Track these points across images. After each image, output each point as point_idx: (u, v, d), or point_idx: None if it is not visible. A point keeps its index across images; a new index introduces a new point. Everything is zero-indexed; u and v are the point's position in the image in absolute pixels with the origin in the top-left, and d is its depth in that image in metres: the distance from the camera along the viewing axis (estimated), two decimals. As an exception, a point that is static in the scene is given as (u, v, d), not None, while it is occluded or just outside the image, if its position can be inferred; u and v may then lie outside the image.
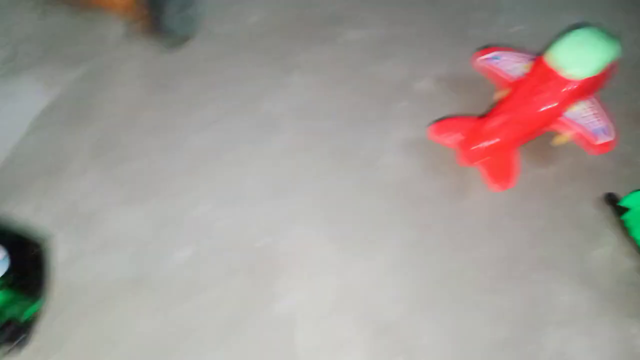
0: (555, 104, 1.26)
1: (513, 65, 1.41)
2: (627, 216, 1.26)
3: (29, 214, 1.25)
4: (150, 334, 1.12)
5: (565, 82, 1.25)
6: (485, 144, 1.25)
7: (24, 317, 1.05)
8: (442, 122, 1.35)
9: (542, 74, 1.28)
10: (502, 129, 1.26)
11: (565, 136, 1.34)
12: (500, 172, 1.26)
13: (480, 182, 1.31)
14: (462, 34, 1.66)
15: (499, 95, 1.42)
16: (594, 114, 1.29)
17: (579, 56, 1.25)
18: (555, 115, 1.29)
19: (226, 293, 1.18)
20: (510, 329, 1.15)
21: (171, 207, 1.30)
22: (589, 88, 1.29)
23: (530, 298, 1.19)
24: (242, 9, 1.71)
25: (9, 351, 1.02)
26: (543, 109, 1.26)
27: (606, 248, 1.25)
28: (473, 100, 1.48)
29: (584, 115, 1.30)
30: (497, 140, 1.25)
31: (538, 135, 1.34)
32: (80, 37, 1.60)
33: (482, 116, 1.34)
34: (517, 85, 1.34)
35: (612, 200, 1.30)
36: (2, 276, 1.00)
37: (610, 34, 1.33)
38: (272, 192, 1.33)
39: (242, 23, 1.67)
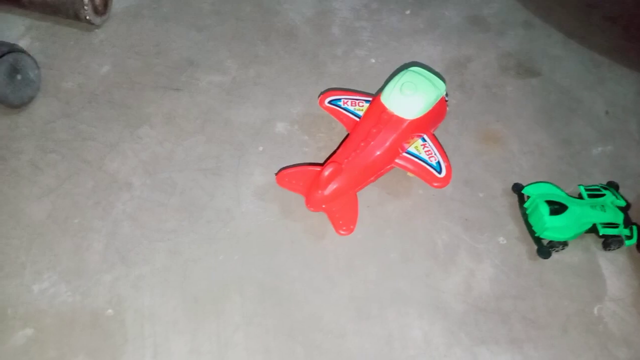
0: (389, 144, 1.29)
1: (353, 107, 1.44)
2: (526, 204, 1.37)
3: None
4: None
5: (397, 123, 1.29)
6: (325, 191, 1.25)
7: None
8: (285, 171, 1.34)
9: (376, 115, 1.32)
10: (338, 175, 1.26)
11: (408, 173, 1.37)
12: (343, 218, 1.27)
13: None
14: (319, 71, 1.67)
15: (348, 135, 1.43)
16: (426, 151, 1.34)
17: (406, 98, 1.29)
18: (391, 154, 1.32)
19: None
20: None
21: (8, 287, 1.20)
22: (421, 126, 1.33)
23: (385, 335, 1.18)
24: (92, 61, 1.64)
25: None
26: (378, 152, 1.28)
27: (459, 275, 1.27)
28: (326, 141, 1.49)
29: (419, 152, 1.34)
30: (335, 186, 1.25)
31: (380, 175, 1.36)
32: None
33: (322, 163, 1.35)
34: (354, 127, 1.37)
35: (517, 190, 1.41)
36: None
37: (436, 73, 1.40)
38: (116, 259, 1.25)
39: (90, 76, 1.60)
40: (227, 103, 1.57)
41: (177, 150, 1.46)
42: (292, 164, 1.41)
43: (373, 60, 1.71)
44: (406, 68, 1.36)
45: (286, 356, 1.14)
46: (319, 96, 1.50)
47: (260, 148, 1.47)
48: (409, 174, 1.37)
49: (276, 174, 1.35)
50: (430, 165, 1.31)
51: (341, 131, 1.48)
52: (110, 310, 1.18)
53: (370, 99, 1.42)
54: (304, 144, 1.48)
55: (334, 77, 1.65)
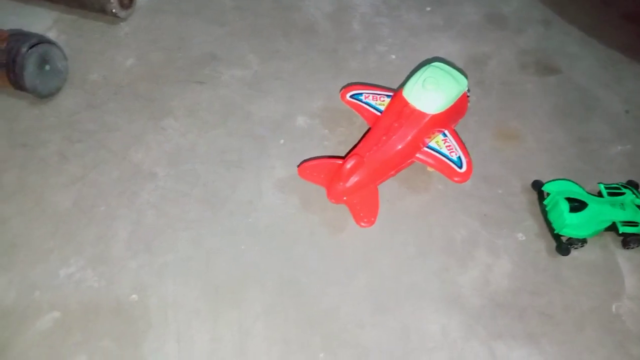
0: (410, 139, 1.30)
1: (374, 101, 1.45)
2: (546, 201, 1.37)
3: None
4: None
5: (419, 117, 1.31)
6: (347, 184, 1.27)
7: None
8: (307, 163, 1.36)
9: (397, 110, 1.33)
10: (359, 168, 1.27)
11: (428, 167, 1.39)
12: (364, 210, 1.28)
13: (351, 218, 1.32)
14: (339, 66, 1.69)
15: (369, 129, 1.45)
16: (449, 145, 1.35)
17: (428, 93, 1.31)
18: (412, 149, 1.33)
19: (94, 357, 1.13)
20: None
21: (36, 272, 1.24)
22: (442, 121, 1.34)
23: (402, 328, 1.20)
24: (117, 54, 1.68)
25: None
26: (399, 146, 1.30)
27: (477, 270, 1.28)
28: (346, 136, 1.50)
29: (440, 147, 1.35)
30: (357, 179, 1.27)
31: (402, 169, 1.37)
32: None
33: (344, 156, 1.37)
34: (376, 121, 1.38)
35: (537, 187, 1.41)
36: None
37: (458, 69, 1.40)
38: (140, 248, 1.28)
39: (115, 69, 1.64)
40: (249, 97, 1.59)
41: (200, 142, 1.48)
42: (312, 157, 1.43)
43: (393, 56, 1.73)
44: (428, 63, 1.38)
45: (305, 346, 1.16)
46: (340, 90, 1.51)
47: (281, 141, 1.49)
48: (428, 168, 1.39)
49: (298, 166, 1.37)
50: (451, 160, 1.32)
51: (361, 126, 1.50)
52: (134, 296, 1.21)
53: (391, 93, 1.43)
54: (324, 137, 1.50)
55: (353, 73, 1.66)
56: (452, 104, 1.33)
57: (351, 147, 1.43)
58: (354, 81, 1.62)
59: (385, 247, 1.31)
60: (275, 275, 1.26)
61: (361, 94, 1.47)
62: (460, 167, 1.32)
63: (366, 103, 1.45)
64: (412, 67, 1.67)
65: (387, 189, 1.39)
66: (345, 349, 1.16)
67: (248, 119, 1.54)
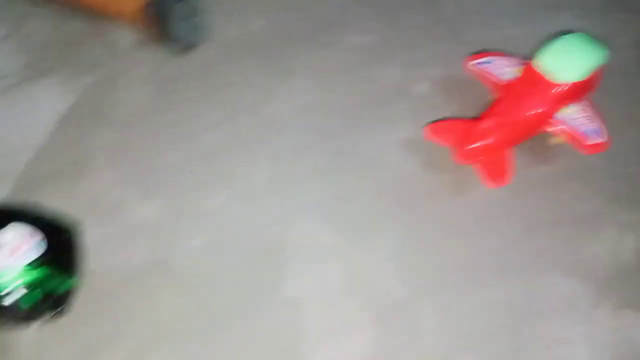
0: (544, 108, 1.31)
1: (504, 69, 1.45)
2: None
3: (57, 204, 1.35)
4: (171, 311, 1.22)
5: (554, 86, 1.30)
6: (479, 144, 1.30)
7: (61, 291, 1.20)
8: (438, 123, 1.40)
9: (531, 78, 1.33)
10: (494, 130, 1.30)
11: (559, 137, 1.38)
12: (496, 170, 1.30)
13: (477, 180, 1.34)
14: (458, 37, 1.70)
15: (492, 98, 1.46)
16: (584, 116, 1.33)
17: (566, 62, 1.30)
18: (545, 117, 1.33)
19: (240, 277, 1.26)
20: (508, 317, 1.18)
21: (186, 199, 1.38)
22: (577, 92, 1.33)
23: (527, 289, 1.22)
24: (247, 16, 1.78)
25: (49, 319, 1.19)
26: (533, 112, 1.30)
27: (606, 243, 1.27)
28: (467, 102, 1.52)
29: (575, 117, 1.34)
30: (491, 140, 1.29)
31: (532, 136, 1.38)
32: (93, 44, 1.69)
33: (476, 118, 1.38)
34: (508, 88, 1.39)
35: None
36: (41, 255, 1.17)
37: (597, 40, 1.38)
38: (278, 187, 1.39)
39: (247, 29, 1.74)
40: (371, 62, 1.64)
41: (325, 99, 1.56)
42: (434, 120, 1.46)
43: (515, 31, 1.71)
44: (563, 35, 1.37)
45: (432, 291, 1.22)
46: (467, 58, 1.53)
47: (403, 105, 1.54)
48: (559, 138, 1.38)
49: (426, 126, 1.40)
50: (585, 131, 1.31)
51: (483, 95, 1.50)
52: (274, 228, 1.32)
53: (522, 61, 1.43)
54: (445, 104, 1.53)
55: (475, 45, 1.66)
56: (590, 74, 1.31)
57: (473, 115, 1.45)
58: (472, 51, 1.64)
59: (510, 213, 1.33)
60: (397, 227, 1.32)
61: (489, 61, 1.48)
62: (594, 139, 1.31)
63: (493, 71, 1.46)
64: (536, 42, 1.66)
65: (515, 157, 1.38)
66: (472, 300, 1.21)
67: (370, 82, 1.60)
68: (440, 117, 1.49)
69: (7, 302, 1.13)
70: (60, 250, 1.22)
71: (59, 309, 1.19)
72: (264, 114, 1.53)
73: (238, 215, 1.36)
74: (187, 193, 1.40)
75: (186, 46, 1.65)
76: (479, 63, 1.49)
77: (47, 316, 1.19)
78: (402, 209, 1.35)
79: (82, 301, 1.23)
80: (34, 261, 1.15)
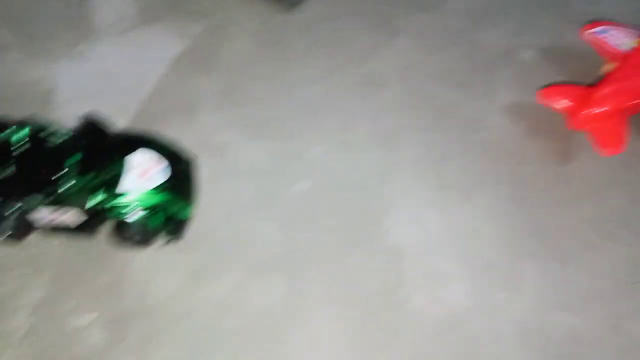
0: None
1: (622, 40, 1.42)
2: None
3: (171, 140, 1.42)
4: (275, 247, 1.29)
5: None
6: (595, 110, 1.29)
7: (180, 217, 1.28)
8: (553, 87, 1.39)
9: None
10: (612, 97, 1.29)
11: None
12: (610, 138, 1.29)
13: (585, 147, 1.34)
14: (567, 7, 1.67)
15: (606, 67, 1.43)
16: None
17: None
18: None
19: (341, 221, 1.30)
20: (609, 282, 1.19)
21: (289, 146, 1.44)
22: None
23: (630, 256, 1.22)
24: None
25: (169, 241, 1.28)
26: None
27: None
28: (578, 71, 1.50)
29: None
30: (607, 108, 1.28)
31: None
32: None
33: (592, 85, 1.37)
34: (626, 58, 1.36)
35: None
36: (165, 181, 1.27)
37: None
38: (379, 141, 1.42)
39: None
40: (475, 27, 1.64)
41: (427, 61, 1.57)
42: (540, 88, 1.44)
43: (625, 7, 1.65)
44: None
45: (532, 251, 1.24)
46: (583, 26, 1.50)
47: (508, 70, 1.53)
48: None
49: (541, 89, 1.40)
50: None
51: (594, 64, 1.48)
52: (374, 180, 1.36)
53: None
54: (554, 72, 1.51)
55: (583, 14, 1.61)
56: None
57: (583, 83, 1.42)
58: (582, 23, 1.59)
59: (616, 183, 1.32)
60: (500, 188, 1.34)
61: (605, 31, 1.44)
62: None
63: (611, 42, 1.42)
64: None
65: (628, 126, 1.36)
66: (573, 263, 1.22)
67: (474, 47, 1.60)
68: (546, 84, 1.46)
69: (129, 219, 1.22)
70: (182, 178, 1.30)
71: (177, 233, 1.27)
72: (366, 71, 1.56)
73: (339, 166, 1.40)
74: (290, 140, 1.45)
75: (294, 2, 1.69)
76: (595, 32, 1.46)
77: (164, 239, 1.27)
78: (503, 171, 1.36)
79: (193, 231, 1.31)
80: (158, 186, 1.24)
